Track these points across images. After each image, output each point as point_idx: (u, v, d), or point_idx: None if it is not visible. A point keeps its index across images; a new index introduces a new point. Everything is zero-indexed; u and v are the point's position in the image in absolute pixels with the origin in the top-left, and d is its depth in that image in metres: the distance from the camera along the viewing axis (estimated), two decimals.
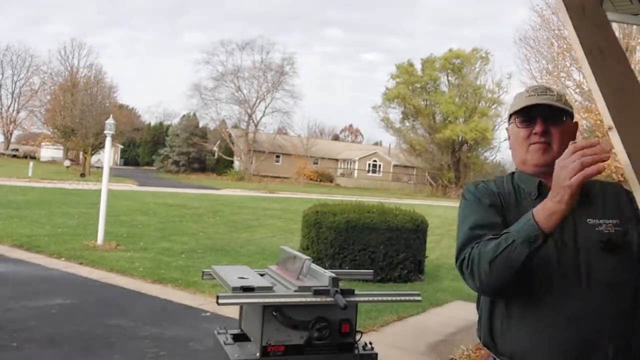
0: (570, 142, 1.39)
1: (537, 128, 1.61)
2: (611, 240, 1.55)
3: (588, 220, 1.56)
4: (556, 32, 16.28)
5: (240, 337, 2.41)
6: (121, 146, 58.48)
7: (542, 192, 1.59)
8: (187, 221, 14.14)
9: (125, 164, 60.35)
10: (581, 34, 1.56)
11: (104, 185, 9.70)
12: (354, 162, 52.76)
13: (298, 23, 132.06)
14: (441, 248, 12.82)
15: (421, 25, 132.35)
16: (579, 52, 1.55)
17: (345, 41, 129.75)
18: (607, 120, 1.50)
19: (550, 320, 1.52)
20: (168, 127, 56.75)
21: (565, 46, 15.78)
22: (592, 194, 1.61)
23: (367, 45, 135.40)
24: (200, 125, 50.97)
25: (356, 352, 2.26)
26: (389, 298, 2.39)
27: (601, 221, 1.56)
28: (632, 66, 13.76)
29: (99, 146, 36.69)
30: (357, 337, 2.25)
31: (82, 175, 33.86)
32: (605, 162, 1.30)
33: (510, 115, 1.72)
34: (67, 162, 41.40)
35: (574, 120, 1.69)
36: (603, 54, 1.54)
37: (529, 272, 1.48)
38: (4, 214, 12.48)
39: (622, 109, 1.49)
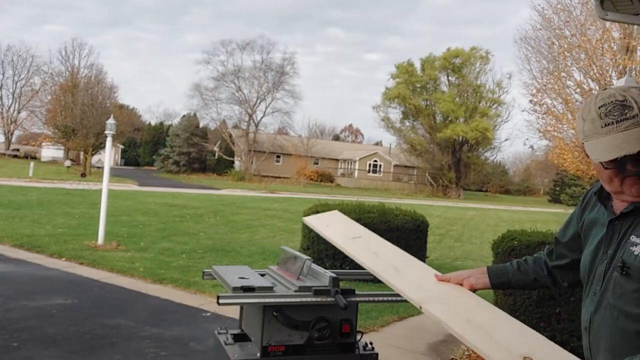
0: None
1: (630, 168, 1.40)
2: (628, 264, 1.38)
3: (632, 237, 1.40)
4: (557, 31, 16.27)
5: (240, 337, 2.41)
6: (122, 146, 58.51)
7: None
8: (188, 221, 14.14)
9: (126, 164, 60.36)
10: None
11: (105, 185, 9.70)
12: (355, 162, 52.75)
13: (299, 23, 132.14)
14: (442, 248, 12.82)
15: (423, 25, 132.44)
16: None
17: (346, 41, 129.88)
18: None
19: (581, 324, 1.54)
20: (168, 127, 56.78)
21: (566, 46, 15.76)
22: None
23: (369, 45, 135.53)
24: (201, 125, 50.99)
25: (356, 352, 2.26)
26: (390, 298, 2.39)
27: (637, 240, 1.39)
28: (633, 66, 13.73)
29: (99, 146, 36.72)
30: (358, 337, 2.25)
31: (83, 175, 33.87)
32: None
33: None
34: (67, 162, 41.41)
35: None
36: None
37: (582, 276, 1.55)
38: (5, 214, 12.48)
39: None
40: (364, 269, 2.06)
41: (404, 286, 1.60)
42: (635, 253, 1.36)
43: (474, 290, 1.78)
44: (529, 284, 1.87)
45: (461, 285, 1.76)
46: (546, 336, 1.62)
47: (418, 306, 1.51)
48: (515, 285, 1.87)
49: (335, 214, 2.18)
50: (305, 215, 8.66)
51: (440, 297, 1.57)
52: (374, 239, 1.96)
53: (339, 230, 2.03)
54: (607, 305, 1.43)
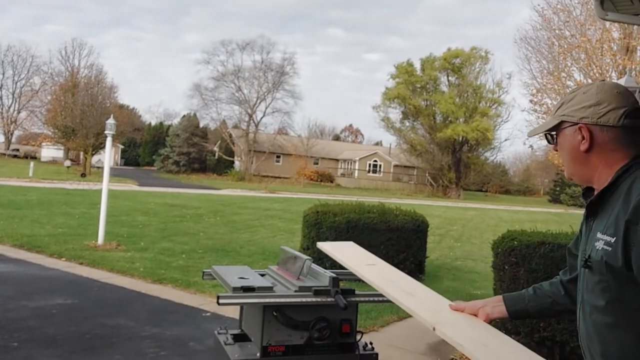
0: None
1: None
2: (591, 259, 1.42)
3: (597, 233, 1.42)
4: (557, 32, 16.27)
5: (240, 337, 2.41)
6: (122, 146, 58.50)
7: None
8: (188, 221, 14.14)
9: (126, 164, 60.36)
10: None
11: (105, 185, 9.70)
12: (355, 162, 52.75)
13: (299, 23, 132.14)
14: (442, 248, 12.82)
15: (423, 25, 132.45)
16: None
17: (346, 41, 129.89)
18: None
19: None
20: (168, 127, 56.78)
21: (566, 46, 15.77)
22: (612, 199, 1.43)
23: (369, 45, 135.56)
24: (201, 125, 51.00)
25: (357, 352, 2.26)
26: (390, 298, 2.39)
27: (601, 236, 1.40)
28: (632, 66, 13.72)
29: (99, 146, 36.73)
30: (358, 337, 2.25)
31: (83, 175, 33.87)
32: None
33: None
34: (67, 162, 41.40)
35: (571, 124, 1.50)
36: None
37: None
38: (5, 214, 12.48)
39: None
40: None
41: (418, 309, 1.60)
42: (597, 248, 1.39)
43: (490, 321, 1.71)
44: (546, 308, 1.75)
45: (476, 315, 1.70)
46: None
47: (431, 327, 1.50)
48: (533, 312, 1.76)
49: (350, 244, 2.23)
50: (305, 215, 8.65)
51: (454, 323, 1.57)
52: (387, 267, 1.99)
53: (353, 256, 2.08)
54: (583, 302, 1.47)
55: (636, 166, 1.41)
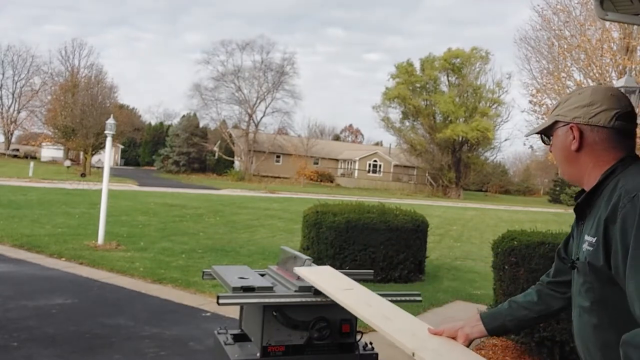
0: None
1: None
2: (579, 260, 1.45)
3: (586, 235, 1.43)
4: (557, 32, 16.27)
5: (240, 337, 2.41)
6: (122, 146, 58.48)
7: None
8: (188, 221, 14.14)
9: (126, 164, 60.35)
10: None
11: (105, 185, 9.70)
12: (355, 162, 52.75)
13: (299, 23, 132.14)
14: (441, 248, 12.82)
15: (423, 25, 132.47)
16: None
17: (346, 41, 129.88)
18: None
19: None
20: (168, 127, 56.76)
21: (565, 46, 15.76)
22: (599, 201, 1.43)
23: (369, 45, 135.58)
24: (201, 125, 50.99)
25: (356, 352, 2.26)
26: (389, 298, 2.39)
27: (587, 237, 1.42)
28: (632, 66, 13.73)
29: (99, 146, 36.72)
30: (358, 337, 2.25)
31: (83, 175, 33.87)
32: None
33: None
34: (67, 162, 41.40)
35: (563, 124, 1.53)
36: None
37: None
38: (5, 214, 12.48)
39: None
40: (364, 269, 2.07)
41: (396, 333, 1.59)
42: (584, 249, 1.41)
43: (470, 341, 1.69)
44: (523, 320, 1.74)
45: (454, 338, 1.69)
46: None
47: (410, 353, 1.50)
48: (510, 326, 1.74)
49: (328, 268, 2.25)
50: (304, 215, 8.65)
51: (433, 347, 1.57)
52: (364, 291, 2.01)
53: (330, 281, 2.09)
54: (574, 304, 1.50)
55: (621, 167, 1.42)
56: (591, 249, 1.37)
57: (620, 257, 1.28)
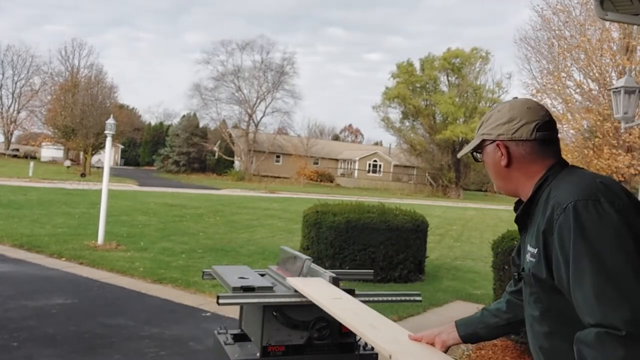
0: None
1: None
2: (522, 272, 1.50)
3: (528, 246, 1.47)
4: (557, 32, 16.27)
5: (240, 337, 2.41)
6: (121, 146, 58.45)
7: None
8: (188, 221, 14.14)
9: (126, 164, 60.33)
10: None
11: (105, 185, 9.70)
12: (354, 162, 52.74)
13: (300, 23, 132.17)
14: (441, 248, 12.82)
15: (424, 25, 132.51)
16: None
17: (347, 41, 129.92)
18: None
19: None
20: (168, 127, 56.75)
21: (565, 46, 15.77)
22: (536, 211, 1.46)
23: (369, 45, 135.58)
24: (201, 125, 50.98)
25: (356, 352, 2.26)
26: (389, 298, 2.40)
27: (529, 248, 1.45)
28: (632, 66, 13.72)
29: (99, 146, 36.71)
30: (357, 337, 2.25)
31: (83, 175, 33.86)
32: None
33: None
34: (67, 162, 41.37)
35: (491, 140, 1.56)
36: None
37: None
38: (5, 214, 12.48)
39: None
40: (363, 268, 2.09)
41: (378, 339, 1.70)
42: (527, 260, 1.45)
43: (447, 348, 1.75)
44: (493, 327, 1.77)
45: (432, 344, 1.76)
46: None
47: (388, 355, 1.60)
48: (482, 333, 1.78)
49: (319, 279, 2.34)
50: (304, 215, 8.65)
51: (410, 352, 1.67)
52: (353, 301, 2.11)
53: (321, 291, 2.18)
54: (526, 314, 1.53)
55: (552, 176, 1.47)
56: (534, 260, 1.41)
57: (562, 269, 1.31)
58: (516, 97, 1.76)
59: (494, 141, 1.54)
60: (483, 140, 1.59)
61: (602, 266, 1.25)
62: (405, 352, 1.63)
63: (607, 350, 1.18)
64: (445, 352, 1.74)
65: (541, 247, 1.37)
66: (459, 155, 1.86)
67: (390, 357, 1.57)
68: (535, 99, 1.93)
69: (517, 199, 1.60)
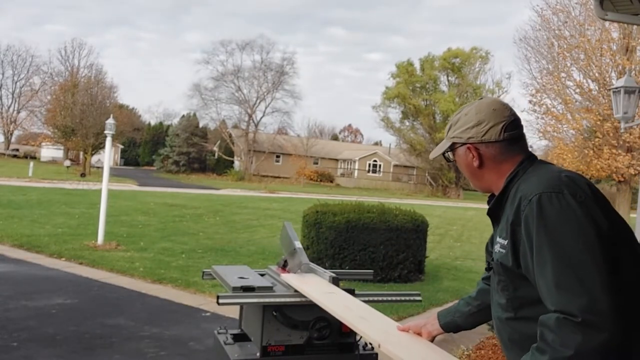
0: None
1: None
2: (492, 262, 1.57)
3: (498, 238, 1.54)
4: (556, 32, 16.27)
5: (240, 337, 2.41)
6: (121, 146, 58.46)
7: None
8: (187, 221, 14.13)
9: (126, 164, 60.32)
10: None
11: (104, 185, 9.70)
12: (354, 162, 52.74)
13: (301, 22, 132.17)
14: (441, 248, 12.82)
15: (424, 25, 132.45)
16: None
17: (348, 41, 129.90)
18: None
19: None
20: (168, 127, 56.75)
21: (565, 46, 15.76)
22: (507, 205, 1.52)
23: (370, 45, 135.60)
24: (201, 125, 50.97)
25: (356, 352, 2.26)
26: (389, 298, 2.40)
27: (499, 240, 1.53)
28: (632, 66, 13.72)
29: (99, 146, 36.70)
30: (358, 337, 2.25)
31: (83, 175, 33.85)
32: None
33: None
34: (67, 162, 41.35)
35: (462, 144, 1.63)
36: None
37: None
38: (5, 214, 12.47)
39: None
40: (363, 268, 2.11)
41: (367, 329, 1.79)
42: (497, 251, 1.53)
43: (432, 337, 1.85)
44: (468, 315, 1.85)
45: (419, 334, 1.85)
46: None
47: (377, 345, 1.68)
48: (460, 322, 1.87)
49: (314, 276, 2.41)
50: (304, 215, 8.65)
51: (398, 341, 1.74)
52: (346, 295, 2.17)
53: (315, 286, 2.23)
54: (493, 301, 1.61)
55: (522, 171, 1.54)
56: (503, 251, 1.48)
57: (529, 257, 1.39)
58: (482, 97, 1.82)
59: (465, 144, 1.61)
60: (453, 143, 1.66)
61: (562, 255, 1.32)
62: (393, 342, 1.71)
63: (565, 334, 1.26)
64: (432, 341, 1.83)
65: (509, 237, 1.45)
66: (430, 157, 1.91)
67: (379, 346, 1.65)
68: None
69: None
